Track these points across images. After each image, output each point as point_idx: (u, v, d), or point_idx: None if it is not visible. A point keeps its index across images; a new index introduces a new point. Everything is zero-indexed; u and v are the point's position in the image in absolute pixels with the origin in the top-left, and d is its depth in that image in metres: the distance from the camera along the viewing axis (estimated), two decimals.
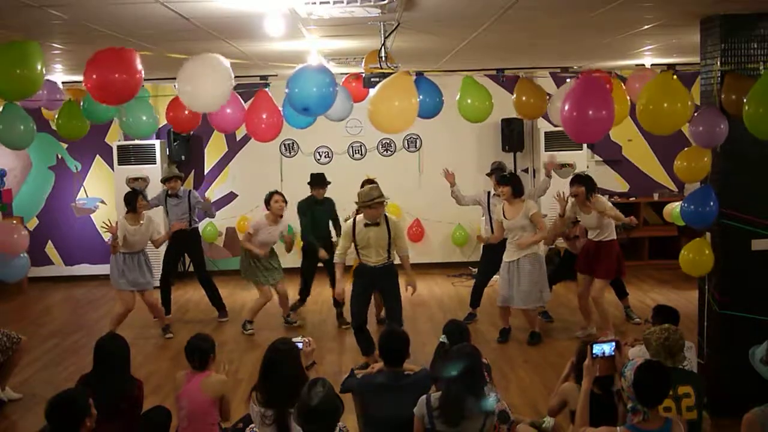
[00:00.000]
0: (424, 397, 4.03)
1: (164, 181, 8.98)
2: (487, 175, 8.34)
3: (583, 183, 7.37)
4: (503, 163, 8.59)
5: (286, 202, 8.14)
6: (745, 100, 4.74)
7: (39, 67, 4.44)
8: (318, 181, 8.38)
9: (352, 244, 6.68)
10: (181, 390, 4.70)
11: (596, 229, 7.37)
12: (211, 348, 4.77)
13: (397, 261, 6.76)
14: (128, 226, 7.75)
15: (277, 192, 8.17)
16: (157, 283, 8.61)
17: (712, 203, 5.22)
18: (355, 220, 6.70)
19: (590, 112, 4.60)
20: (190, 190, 8.97)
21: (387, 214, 6.72)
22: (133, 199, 7.86)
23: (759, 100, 4.61)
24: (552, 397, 4.75)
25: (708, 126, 5.18)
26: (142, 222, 7.84)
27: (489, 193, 8.15)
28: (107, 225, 7.57)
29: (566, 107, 4.68)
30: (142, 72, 4.57)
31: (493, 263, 7.80)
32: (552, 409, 4.76)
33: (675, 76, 5.07)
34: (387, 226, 6.61)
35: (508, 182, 7.36)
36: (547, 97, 6.47)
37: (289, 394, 3.80)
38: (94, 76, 4.45)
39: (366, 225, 6.58)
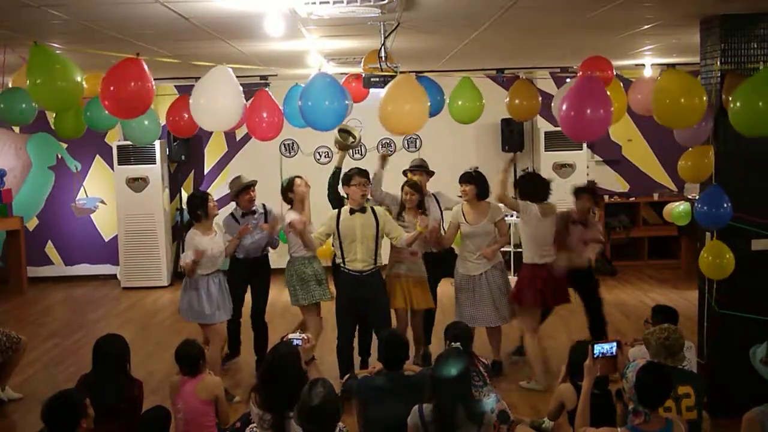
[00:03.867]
0: (417, 407, 3.97)
1: (240, 192, 6.67)
2: (404, 172, 7.15)
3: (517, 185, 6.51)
4: (425, 161, 7.30)
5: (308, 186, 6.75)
6: (730, 98, 4.68)
7: (79, 79, 4.48)
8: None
9: (334, 239, 6.12)
10: (176, 394, 4.71)
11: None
12: (200, 353, 4.79)
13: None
14: (202, 239, 6.05)
15: (298, 176, 6.78)
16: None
17: (725, 204, 5.13)
18: (340, 209, 6.15)
19: (588, 111, 4.60)
20: (264, 204, 6.87)
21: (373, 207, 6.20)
22: (203, 203, 6.13)
23: (744, 96, 4.57)
24: (550, 402, 4.76)
25: None
26: (216, 231, 6.24)
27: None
28: (197, 254, 5.95)
29: (564, 107, 4.69)
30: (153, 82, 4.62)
31: (433, 275, 6.77)
32: (551, 412, 4.76)
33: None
34: (374, 214, 6.09)
35: (473, 181, 6.39)
36: (539, 98, 6.46)
37: (288, 399, 3.79)
38: (112, 88, 4.49)
39: (352, 212, 6.07)
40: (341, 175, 6.44)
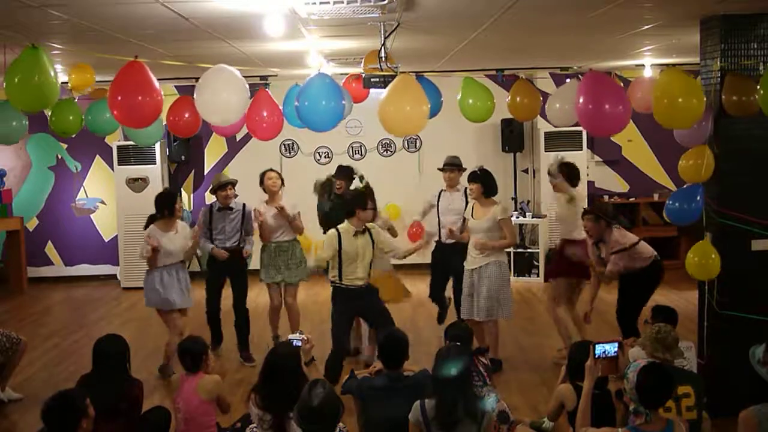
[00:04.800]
0: (418, 402, 3.99)
1: (219, 189, 7.04)
2: (439, 170, 7.39)
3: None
4: (458, 158, 7.44)
5: (282, 180, 7.25)
6: (758, 86, 4.83)
7: (53, 74, 4.45)
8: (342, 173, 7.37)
9: (332, 259, 6.17)
10: (176, 392, 4.71)
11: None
12: (203, 349, 4.79)
13: None
14: (161, 234, 6.47)
15: (270, 170, 7.33)
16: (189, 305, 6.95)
17: (698, 197, 5.23)
18: (339, 230, 6.17)
19: (606, 107, 4.75)
20: (244, 203, 7.20)
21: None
22: (171, 202, 6.56)
23: None
24: (550, 402, 4.76)
25: None
26: (177, 230, 6.60)
27: (441, 191, 7.34)
28: (150, 242, 6.36)
29: (581, 100, 4.77)
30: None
31: (444, 266, 7.24)
32: (551, 413, 4.76)
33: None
34: (369, 233, 6.24)
35: (478, 179, 6.56)
36: (540, 98, 6.48)
37: (288, 400, 3.79)
38: (120, 98, 4.54)
39: (355, 234, 6.15)
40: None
